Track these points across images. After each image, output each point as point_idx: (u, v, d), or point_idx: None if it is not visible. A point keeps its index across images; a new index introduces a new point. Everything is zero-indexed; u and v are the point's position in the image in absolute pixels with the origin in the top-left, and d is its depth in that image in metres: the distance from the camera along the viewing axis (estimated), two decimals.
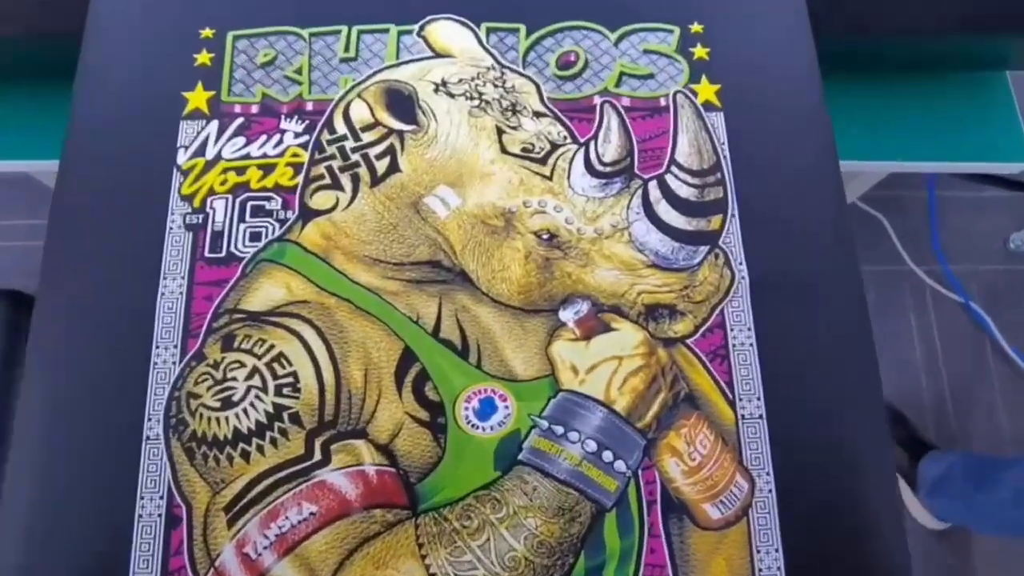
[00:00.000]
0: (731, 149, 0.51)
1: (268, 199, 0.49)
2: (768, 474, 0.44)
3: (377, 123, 0.50)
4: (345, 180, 0.49)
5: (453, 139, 0.49)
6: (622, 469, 0.44)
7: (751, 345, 0.47)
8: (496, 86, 0.51)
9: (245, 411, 0.43)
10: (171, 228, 0.48)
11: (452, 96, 0.51)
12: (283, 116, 0.51)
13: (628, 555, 0.43)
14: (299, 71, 0.52)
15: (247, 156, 0.50)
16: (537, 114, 0.51)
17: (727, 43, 0.54)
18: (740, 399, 0.46)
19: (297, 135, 0.50)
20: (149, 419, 0.44)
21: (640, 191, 0.48)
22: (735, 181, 0.50)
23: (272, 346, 0.45)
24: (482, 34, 0.54)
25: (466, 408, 0.45)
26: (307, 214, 0.48)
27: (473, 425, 0.44)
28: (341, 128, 0.50)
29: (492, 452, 0.44)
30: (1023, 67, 0.75)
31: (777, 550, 0.43)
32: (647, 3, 0.55)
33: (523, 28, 0.54)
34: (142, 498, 0.43)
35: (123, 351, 0.46)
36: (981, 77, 0.77)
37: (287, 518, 0.42)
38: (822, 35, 0.55)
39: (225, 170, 0.49)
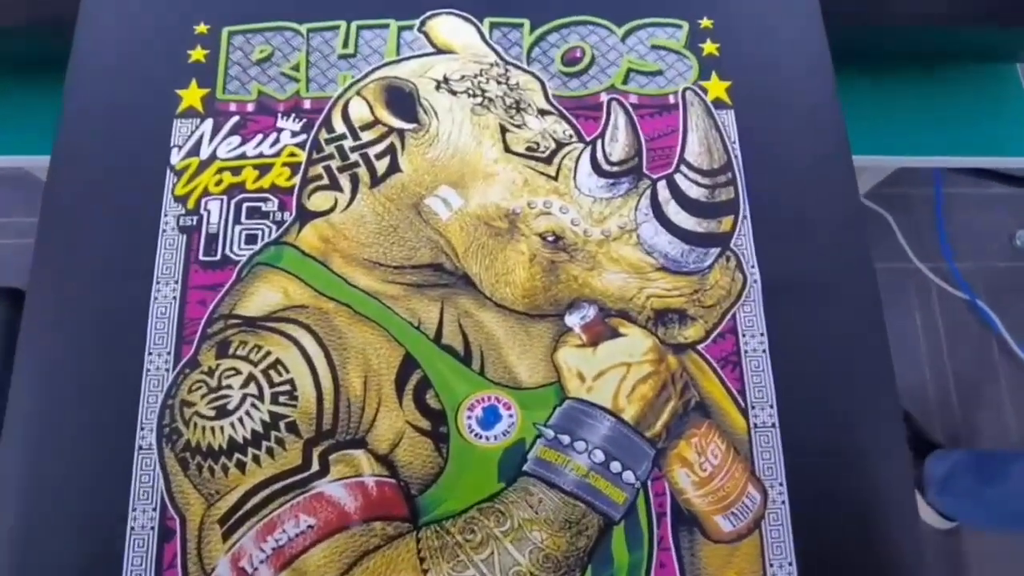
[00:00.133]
0: (742, 148, 0.50)
1: (264, 200, 0.48)
2: (781, 484, 0.44)
3: (377, 121, 0.49)
4: (344, 180, 0.48)
5: (455, 138, 0.49)
6: (631, 480, 0.43)
7: (763, 351, 0.46)
8: (499, 83, 0.51)
9: (241, 420, 0.43)
10: (164, 230, 0.47)
11: (454, 93, 0.50)
12: (280, 114, 0.50)
13: (637, 569, 0.42)
14: (296, 68, 0.52)
15: (243, 156, 0.49)
16: (542, 112, 0.50)
17: (737, 38, 0.53)
18: (752, 407, 0.45)
19: (294, 134, 0.49)
20: (142, 428, 0.43)
21: (648, 191, 0.48)
22: (746, 181, 0.49)
23: (268, 353, 0.44)
24: (485, 29, 0.53)
25: (469, 417, 0.44)
26: (305, 216, 0.48)
27: (476, 434, 0.44)
28: (340, 127, 0.50)
29: (496, 462, 0.43)
30: None
31: (791, 563, 0.43)
32: None
33: (527, 23, 0.53)
34: (134, 510, 0.42)
35: (115, 358, 0.45)
36: (991, 70, 0.76)
37: (284, 531, 0.41)
38: (832, 28, 0.54)
39: (220, 170, 0.49)
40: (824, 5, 0.54)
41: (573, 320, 0.45)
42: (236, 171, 0.49)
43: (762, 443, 0.44)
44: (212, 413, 0.43)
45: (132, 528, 0.42)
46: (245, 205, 0.48)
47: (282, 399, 0.43)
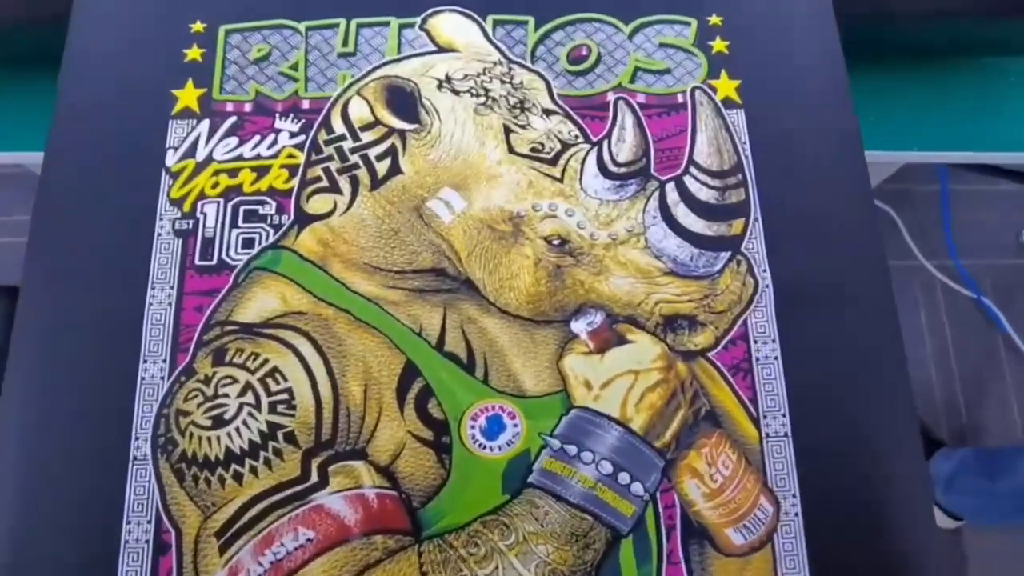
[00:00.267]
0: (753, 148, 0.49)
1: (262, 203, 0.47)
2: (794, 496, 0.43)
3: (377, 122, 0.49)
4: (343, 183, 0.48)
5: (458, 139, 0.48)
6: (639, 492, 0.42)
7: (776, 358, 0.45)
8: (503, 82, 0.50)
9: (238, 430, 0.42)
10: (159, 234, 0.46)
11: (456, 93, 0.49)
12: (278, 115, 0.49)
13: None
14: (295, 67, 0.51)
15: (240, 157, 0.48)
16: (547, 112, 0.49)
17: (747, 36, 0.52)
18: (764, 416, 0.44)
19: (293, 135, 0.49)
20: (136, 438, 0.42)
21: (657, 193, 0.47)
22: (757, 182, 0.48)
23: (266, 360, 0.43)
24: (488, 27, 0.52)
25: (472, 426, 0.43)
26: (303, 219, 0.47)
27: (480, 445, 0.43)
28: (339, 127, 0.49)
29: (500, 474, 0.42)
30: None
31: None
32: None
33: (532, 20, 0.52)
34: (128, 523, 0.41)
35: (108, 365, 0.44)
36: (999, 65, 0.74)
37: (282, 544, 0.40)
38: (840, 22, 0.53)
39: (216, 172, 0.48)
40: (838, 4, 0.53)
41: (579, 326, 0.45)
42: (233, 173, 0.48)
43: (774, 453, 0.43)
44: (208, 423, 0.42)
45: (126, 541, 0.41)
46: (242, 208, 0.47)
47: (280, 408, 0.42)
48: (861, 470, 0.44)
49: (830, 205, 0.48)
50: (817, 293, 0.46)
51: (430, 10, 0.52)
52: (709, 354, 0.45)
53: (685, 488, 0.43)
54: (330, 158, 0.48)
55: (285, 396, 0.42)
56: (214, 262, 0.46)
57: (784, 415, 0.44)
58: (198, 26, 0.52)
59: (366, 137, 0.48)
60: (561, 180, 0.47)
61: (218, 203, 0.47)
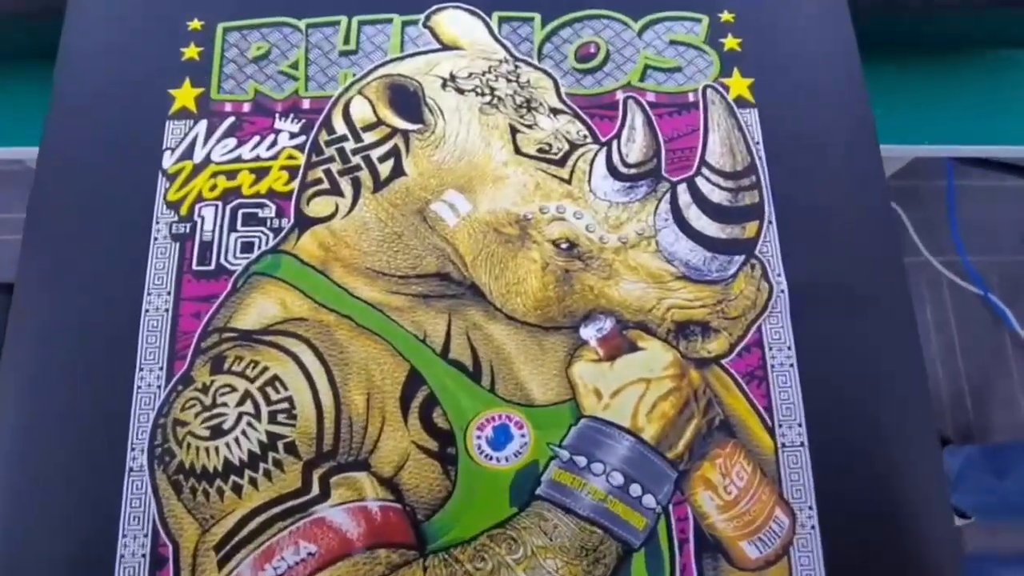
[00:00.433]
0: (767, 149, 0.48)
1: (261, 206, 0.46)
2: (811, 508, 0.42)
3: (380, 122, 0.48)
4: (345, 185, 0.47)
5: (463, 139, 0.47)
6: (651, 504, 0.41)
7: (791, 365, 0.44)
8: (509, 81, 0.49)
9: (236, 440, 0.41)
10: (156, 238, 0.46)
11: (461, 92, 0.48)
12: (278, 115, 0.49)
13: None
14: (295, 66, 0.50)
15: (238, 159, 0.47)
16: (554, 111, 0.48)
17: (760, 33, 0.51)
18: (780, 425, 0.43)
19: (293, 136, 0.48)
20: (132, 449, 0.42)
21: (668, 195, 0.46)
22: (771, 184, 0.47)
23: (266, 368, 0.42)
24: (494, 24, 0.51)
25: (478, 437, 0.42)
26: (304, 222, 0.46)
27: (486, 455, 0.42)
28: (341, 128, 0.48)
29: (507, 486, 0.41)
30: None
31: None
32: None
33: (538, 17, 0.51)
34: (124, 536, 0.40)
35: (103, 374, 0.43)
36: (1008, 57, 0.73)
37: (283, 558, 0.40)
38: (858, 17, 0.52)
39: (214, 174, 0.47)
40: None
41: (589, 333, 0.44)
42: (231, 175, 0.47)
43: (790, 464, 0.43)
44: (207, 433, 0.41)
45: (122, 556, 0.40)
46: (241, 211, 0.46)
47: (280, 418, 0.42)
48: (880, 481, 0.43)
49: (846, 207, 0.47)
50: (833, 298, 0.45)
51: (434, 7, 0.52)
52: (723, 361, 0.44)
53: (698, 500, 0.42)
54: (331, 159, 0.47)
55: (285, 405, 0.42)
56: (212, 267, 0.45)
57: (800, 424, 0.43)
58: (195, 24, 0.51)
59: (368, 138, 0.48)
60: (569, 181, 0.46)
61: (216, 206, 0.46)
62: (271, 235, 0.46)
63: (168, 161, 0.48)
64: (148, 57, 0.50)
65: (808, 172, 0.48)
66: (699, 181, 0.46)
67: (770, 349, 0.44)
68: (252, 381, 0.42)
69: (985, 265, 1.54)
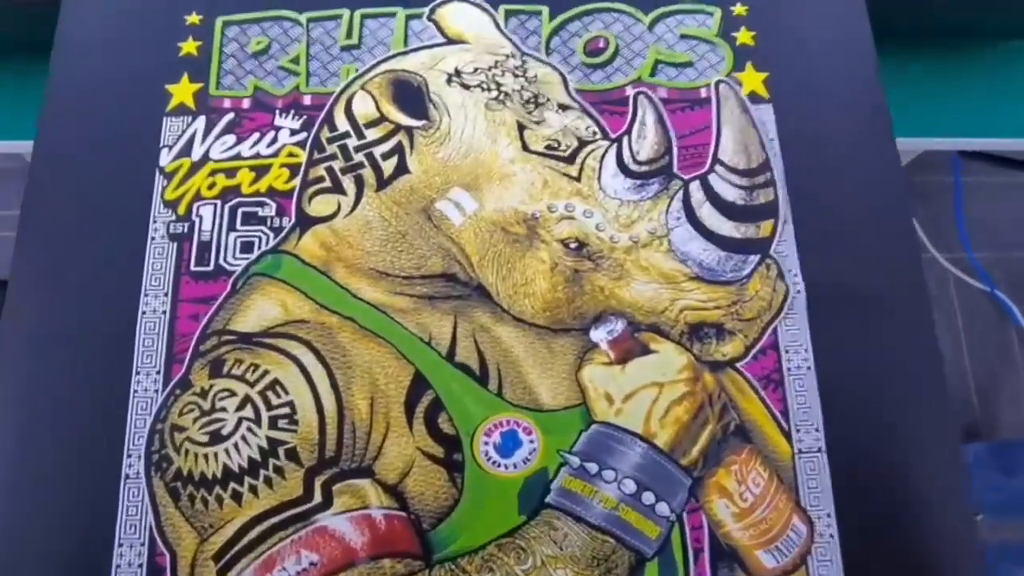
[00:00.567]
0: (781, 145, 0.48)
1: (261, 205, 0.46)
2: (829, 516, 0.41)
3: (383, 118, 0.47)
4: (347, 183, 0.46)
5: (468, 136, 0.46)
6: (665, 512, 0.40)
7: (808, 369, 0.44)
8: (516, 76, 0.48)
9: (236, 446, 0.41)
10: (153, 238, 0.46)
11: (467, 87, 0.48)
12: (278, 111, 0.48)
13: None
14: (296, 61, 0.50)
15: (238, 156, 0.47)
16: (563, 107, 0.48)
17: (774, 26, 0.51)
18: (797, 430, 0.43)
19: (293, 132, 0.48)
20: (128, 455, 0.41)
21: (680, 193, 0.45)
22: (787, 181, 0.47)
23: (266, 372, 0.42)
24: (500, 17, 0.51)
25: (486, 443, 0.42)
26: (305, 221, 0.46)
27: (494, 462, 0.41)
28: (343, 124, 0.48)
29: (516, 494, 0.41)
30: None
31: None
32: None
33: (546, 11, 0.51)
34: (120, 545, 0.40)
35: (99, 378, 0.43)
36: (1017, 48, 0.72)
37: (284, 568, 0.39)
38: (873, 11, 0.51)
39: (213, 172, 0.47)
40: None
41: (599, 335, 0.43)
42: (231, 173, 0.47)
43: (808, 470, 0.42)
44: (205, 439, 0.41)
45: (118, 565, 0.40)
46: (240, 210, 0.46)
47: (281, 423, 0.41)
48: (901, 487, 0.42)
49: (863, 205, 0.47)
50: (851, 298, 0.45)
51: (438, 0, 0.51)
52: (738, 364, 0.44)
53: (713, 508, 0.41)
54: (333, 157, 0.47)
55: (286, 410, 0.41)
56: (211, 268, 0.45)
57: (818, 429, 0.43)
58: (193, 18, 0.51)
59: (371, 135, 0.47)
60: (578, 179, 0.46)
61: (215, 205, 0.46)
62: (271, 235, 0.46)
63: (165, 159, 0.47)
64: (145, 51, 0.50)
65: (824, 169, 0.47)
66: (712, 179, 0.45)
67: (786, 352, 0.44)
68: (252, 385, 0.42)
69: (991, 261, 1.54)
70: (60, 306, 0.44)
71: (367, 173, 0.46)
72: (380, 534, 0.40)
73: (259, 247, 0.45)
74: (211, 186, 0.46)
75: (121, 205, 0.46)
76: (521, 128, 0.46)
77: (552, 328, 0.44)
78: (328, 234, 0.45)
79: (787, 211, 0.46)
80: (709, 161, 0.46)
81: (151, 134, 0.48)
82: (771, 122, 0.48)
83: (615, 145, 0.46)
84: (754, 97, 0.49)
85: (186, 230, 0.46)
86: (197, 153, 0.47)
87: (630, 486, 0.40)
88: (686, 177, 0.46)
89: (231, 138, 0.47)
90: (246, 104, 0.49)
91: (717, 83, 0.49)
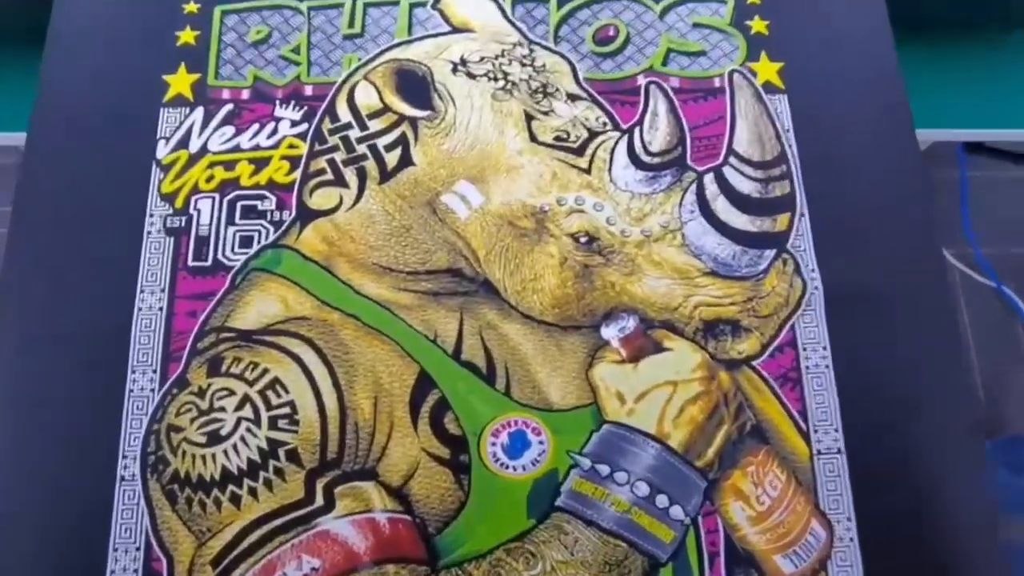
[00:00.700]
0: (797, 137, 0.47)
1: (261, 198, 0.46)
2: (849, 520, 0.41)
3: (386, 109, 0.47)
4: (350, 175, 0.46)
5: (474, 127, 0.46)
6: (679, 516, 0.40)
7: (827, 367, 0.43)
8: (524, 65, 0.48)
9: (235, 447, 0.40)
10: (149, 232, 0.45)
11: (473, 77, 0.47)
12: (278, 102, 0.48)
13: None
14: (296, 50, 0.50)
15: (237, 148, 0.47)
16: (572, 97, 0.47)
17: (789, 14, 0.50)
18: (815, 431, 0.42)
19: (294, 123, 0.47)
20: (124, 456, 0.41)
21: (694, 186, 0.45)
22: (803, 174, 0.46)
23: (266, 371, 0.41)
24: (507, 5, 0.51)
25: (493, 444, 0.41)
26: (306, 215, 0.45)
27: (502, 464, 0.41)
28: (345, 115, 0.47)
29: (524, 496, 0.40)
30: None
31: None
32: None
33: None
34: (115, 550, 0.40)
35: (93, 377, 0.42)
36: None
37: (285, 574, 0.39)
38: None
39: (211, 164, 0.46)
40: None
41: (611, 333, 0.43)
42: (229, 165, 0.46)
43: (827, 472, 0.41)
44: (203, 439, 0.40)
45: (113, 571, 0.39)
46: (239, 204, 0.46)
47: (281, 424, 0.41)
48: (922, 490, 0.41)
49: (883, 198, 0.46)
50: (871, 295, 0.44)
51: None
52: (754, 363, 0.43)
53: (729, 511, 0.41)
54: (335, 148, 0.46)
55: (287, 410, 0.41)
56: (209, 263, 0.44)
57: (837, 429, 0.42)
58: (191, 6, 0.51)
59: (374, 125, 0.47)
60: (588, 171, 0.45)
61: (213, 198, 0.46)
62: (271, 229, 0.45)
63: (162, 151, 0.47)
64: (141, 41, 0.50)
65: (841, 161, 0.47)
66: (727, 171, 0.45)
67: (804, 349, 0.43)
68: (251, 384, 0.41)
69: (997, 257, 1.55)
70: (53, 302, 0.44)
71: (370, 165, 0.46)
72: (384, 538, 0.39)
73: (259, 241, 0.45)
74: (209, 179, 0.46)
75: (116, 198, 0.46)
76: (529, 119, 0.46)
77: (561, 325, 0.44)
78: (330, 228, 0.45)
79: (804, 204, 0.45)
80: (723, 153, 0.46)
81: (147, 125, 0.47)
82: (786, 113, 0.47)
83: (626, 136, 0.46)
84: (769, 87, 0.48)
85: (183, 224, 0.45)
86: (195, 145, 0.47)
87: (643, 488, 0.40)
88: (700, 169, 0.45)
89: (230, 129, 0.47)
90: (245, 95, 0.48)
91: (731, 73, 0.48)
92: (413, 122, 0.46)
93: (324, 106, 0.48)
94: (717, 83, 0.48)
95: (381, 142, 0.46)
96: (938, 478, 0.41)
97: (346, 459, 0.41)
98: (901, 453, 0.42)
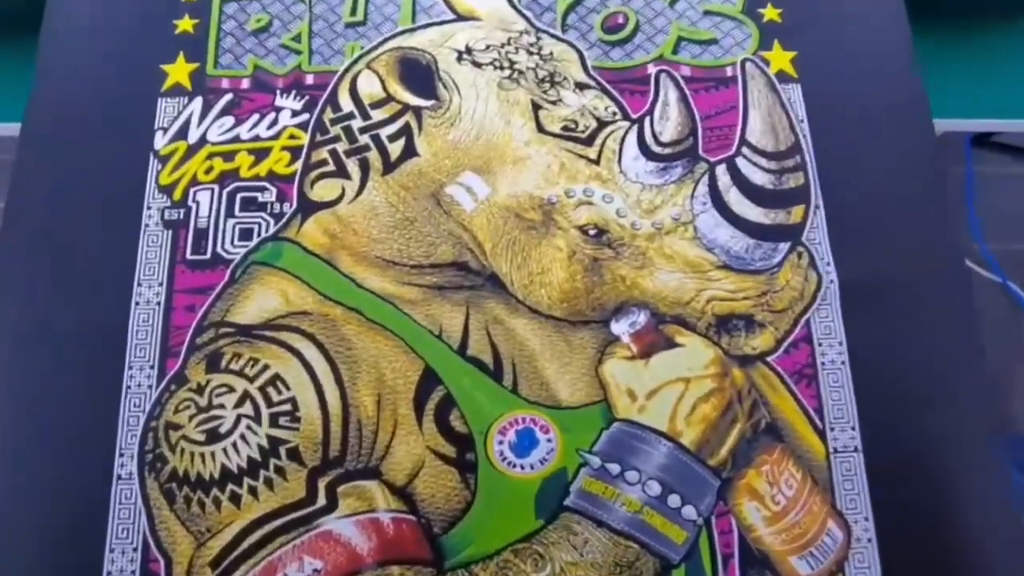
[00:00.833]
0: (811, 127, 0.46)
1: (261, 190, 0.45)
2: (866, 520, 0.40)
3: (389, 98, 0.47)
4: (352, 166, 0.45)
5: (480, 116, 0.45)
6: (692, 516, 0.40)
7: (843, 363, 0.42)
8: (531, 53, 0.47)
9: (235, 445, 0.40)
10: (147, 225, 0.45)
11: (478, 65, 0.47)
12: (279, 91, 0.48)
13: None
14: (297, 38, 0.49)
15: (236, 139, 0.46)
16: (580, 86, 0.47)
17: (802, 2, 0.49)
18: (831, 428, 0.42)
19: (295, 113, 0.47)
20: (121, 455, 0.41)
21: (706, 177, 0.44)
22: (817, 165, 0.45)
23: (266, 367, 0.41)
24: None
25: (500, 441, 0.41)
26: (307, 207, 0.45)
27: (509, 462, 0.40)
28: (347, 105, 0.47)
29: (532, 496, 0.40)
30: None
31: None
32: None
33: None
34: (112, 551, 0.39)
35: (89, 373, 0.42)
36: None
37: (286, 575, 0.38)
38: None
39: (210, 156, 0.46)
40: None
41: (621, 328, 0.42)
42: (229, 156, 0.46)
43: (843, 470, 0.41)
44: (202, 437, 0.40)
45: (109, 572, 0.39)
46: (239, 195, 0.45)
47: (282, 421, 0.40)
48: (941, 489, 0.41)
49: (899, 189, 0.45)
50: (888, 289, 0.44)
51: None
52: (768, 358, 0.43)
53: (743, 511, 0.40)
54: (337, 139, 0.46)
55: (288, 407, 0.40)
56: (208, 256, 0.44)
57: (853, 427, 0.41)
58: None
59: (377, 115, 0.46)
60: (597, 162, 0.44)
61: (212, 190, 0.45)
62: (272, 221, 0.45)
63: (160, 142, 0.46)
64: (139, 29, 0.49)
65: (857, 152, 0.46)
66: (740, 162, 0.44)
67: (820, 345, 0.43)
68: (251, 380, 0.41)
69: (1004, 253, 1.55)
70: (48, 297, 0.43)
71: (373, 156, 0.45)
72: (388, 539, 0.39)
73: (259, 234, 0.44)
74: (208, 170, 0.46)
75: (113, 190, 0.45)
76: (536, 108, 0.45)
77: (570, 320, 0.43)
78: (332, 220, 0.44)
79: (818, 196, 0.45)
80: (736, 143, 0.45)
81: (145, 116, 0.47)
82: (800, 103, 0.47)
83: (636, 126, 0.45)
84: (782, 76, 0.47)
85: (182, 216, 0.45)
86: (193, 136, 0.46)
87: (655, 488, 0.39)
88: (712, 160, 0.45)
89: (229, 120, 0.47)
90: (245, 84, 0.48)
91: (743, 61, 0.47)
92: (417, 112, 0.46)
93: (326, 95, 0.47)
94: (729, 72, 0.48)
95: (384, 132, 0.46)
96: (957, 477, 0.41)
97: (349, 457, 0.40)
98: (919, 451, 0.41)
